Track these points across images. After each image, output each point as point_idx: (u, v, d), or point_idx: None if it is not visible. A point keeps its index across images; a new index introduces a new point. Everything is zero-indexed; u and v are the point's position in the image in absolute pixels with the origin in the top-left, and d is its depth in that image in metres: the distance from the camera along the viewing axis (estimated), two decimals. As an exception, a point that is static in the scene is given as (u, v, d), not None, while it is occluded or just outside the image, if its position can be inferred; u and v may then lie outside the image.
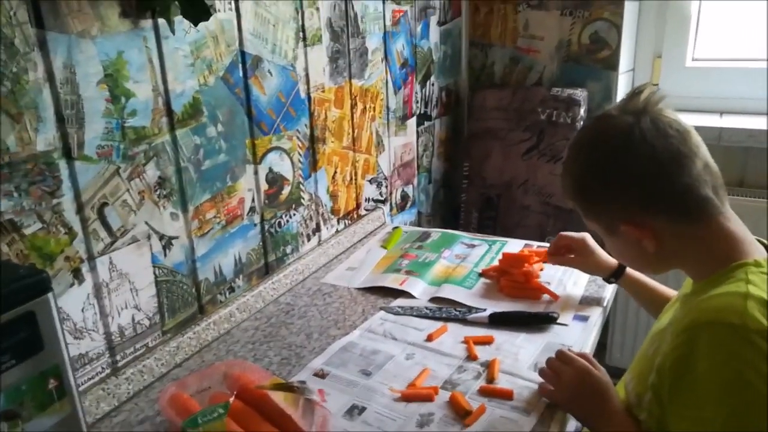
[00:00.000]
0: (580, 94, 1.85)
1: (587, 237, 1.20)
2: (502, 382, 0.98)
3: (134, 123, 0.96)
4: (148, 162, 0.99)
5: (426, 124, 1.88)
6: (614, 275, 1.18)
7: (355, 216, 1.59)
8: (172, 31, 0.97)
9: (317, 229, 1.44)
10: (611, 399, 0.88)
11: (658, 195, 0.81)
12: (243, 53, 1.14)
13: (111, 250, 0.95)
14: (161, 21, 0.96)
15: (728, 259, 0.80)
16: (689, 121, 1.94)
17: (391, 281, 1.32)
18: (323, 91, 1.38)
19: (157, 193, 1.01)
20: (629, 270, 1.17)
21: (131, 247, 0.98)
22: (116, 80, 0.92)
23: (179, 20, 0.96)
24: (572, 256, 1.21)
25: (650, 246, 0.83)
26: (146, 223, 1.00)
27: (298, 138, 1.32)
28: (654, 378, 0.78)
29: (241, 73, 1.15)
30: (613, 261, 1.18)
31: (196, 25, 0.96)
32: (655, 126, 0.80)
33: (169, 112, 1.01)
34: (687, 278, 0.91)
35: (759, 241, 0.85)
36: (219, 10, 1.08)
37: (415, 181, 1.87)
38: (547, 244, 1.45)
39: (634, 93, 0.84)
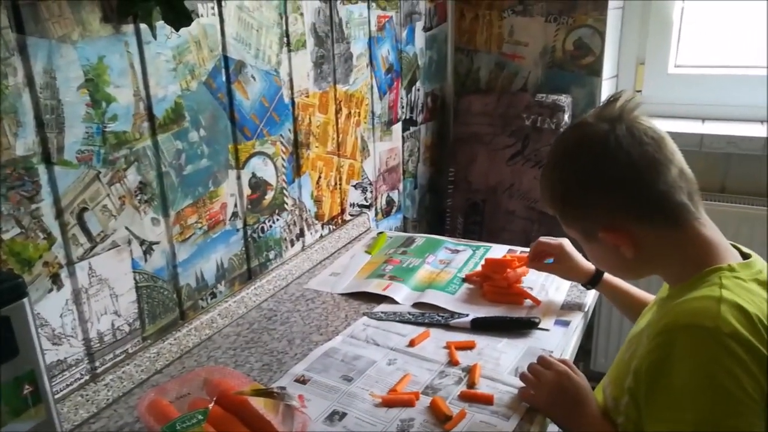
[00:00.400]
0: (565, 100, 1.86)
1: (565, 242, 1.21)
2: (483, 387, 0.99)
3: (115, 128, 0.95)
4: (129, 167, 0.98)
5: (411, 129, 1.89)
6: (591, 281, 1.19)
7: (340, 221, 1.59)
8: (154, 36, 0.97)
9: (301, 234, 1.44)
10: (590, 404, 0.90)
11: (635, 201, 0.82)
12: (226, 58, 1.14)
13: (90, 256, 0.95)
14: (143, 26, 0.96)
15: (703, 263, 0.81)
16: (671, 127, 1.96)
17: (375, 287, 1.32)
18: (307, 96, 1.38)
19: (138, 198, 1.01)
20: (607, 276, 1.18)
21: (111, 252, 0.98)
22: (97, 85, 0.92)
23: (161, 25, 0.96)
24: (550, 261, 1.22)
25: (628, 252, 0.85)
26: (127, 228, 1.00)
27: (281, 143, 1.32)
28: (630, 381, 0.79)
29: (224, 78, 1.15)
30: (590, 266, 1.19)
31: (177, 30, 0.96)
32: (630, 133, 0.82)
33: (151, 116, 1.01)
34: (664, 282, 0.92)
35: (734, 246, 0.87)
36: (202, 15, 1.08)
37: (401, 186, 1.88)
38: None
39: (610, 100, 0.85)
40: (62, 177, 0.89)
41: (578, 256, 1.20)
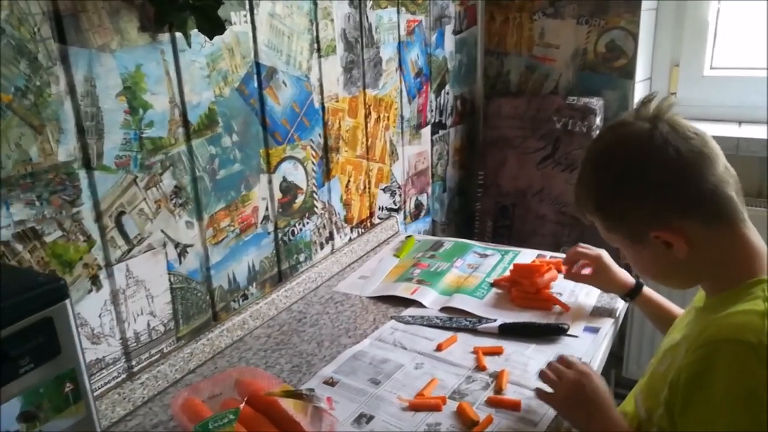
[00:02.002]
0: (596, 102, 1.84)
1: (603, 253, 1.18)
2: (510, 393, 0.99)
3: (151, 134, 0.98)
4: (164, 171, 1.01)
5: (441, 132, 1.89)
6: (630, 294, 1.16)
7: (369, 225, 1.60)
8: (189, 44, 0.99)
9: (330, 237, 1.46)
10: (609, 408, 0.88)
11: (688, 196, 0.79)
12: (258, 65, 1.17)
13: (128, 258, 0.98)
14: (178, 35, 0.99)
15: (746, 272, 0.79)
16: (707, 130, 1.92)
17: (403, 290, 1.33)
18: (337, 101, 1.40)
19: (173, 201, 1.04)
20: (646, 289, 1.14)
21: (147, 254, 1.01)
22: (134, 92, 0.95)
23: (195, 34, 0.98)
24: (587, 272, 1.20)
25: (681, 251, 0.81)
26: (162, 231, 1.03)
27: (311, 147, 1.34)
28: (666, 394, 0.77)
29: (256, 84, 1.17)
30: (629, 278, 1.16)
31: (211, 38, 0.98)
32: (674, 129, 0.80)
33: (186, 122, 1.04)
34: (699, 291, 0.90)
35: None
36: (235, 23, 1.10)
37: (430, 190, 1.88)
38: (561, 255, 1.46)
39: (644, 101, 0.84)
40: (101, 181, 0.92)
41: (616, 268, 1.17)
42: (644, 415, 0.85)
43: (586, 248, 1.21)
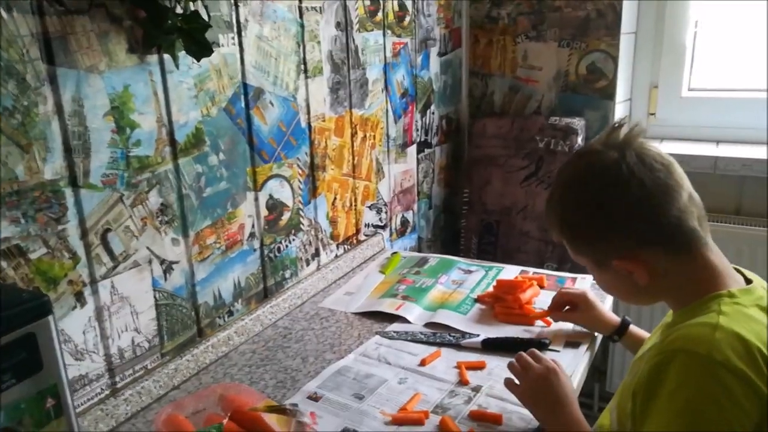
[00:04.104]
0: (578, 123, 1.88)
1: (587, 292, 1.19)
2: (492, 407, 1.00)
3: (138, 152, 1.00)
4: (150, 189, 1.03)
5: (426, 151, 1.92)
6: (617, 332, 1.16)
7: (355, 241, 1.62)
8: (177, 66, 1.02)
9: (316, 254, 1.48)
10: (571, 404, 0.91)
11: (650, 229, 0.82)
12: (245, 85, 1.19)
13: (113, 274, 0.99)
14: (166, 56, 1.01)
15: (706, 289, 0.82)
16: (685, 150, 1.95)
17: (388, 306, 1.34)
18: (324, 121, 1.42)
19: (159, 219, 1.05)
20: (633, 328, 1.15)
21: (133, 271, 1.02)
22: (122, 112, 0.97)
23: (183, 55, 1.00)
24: (573, 311, 1.20)
25: (642, 279, 0.84)
26: (148, 248, 1.04)
27: (298, 165, 1.36)
28: (630, 404, 0.80)
29: (243, 104, 1.19)
30: (614, 317, 1.17)
31: (198, 60, 1.01)
32: (641, 160, 0.82)
33: (173, 141, 1.06)
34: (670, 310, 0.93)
35: (737, 269, 0.87)
36: (222, 45, 1.13)
37: (415, 207, 1.90)
38: (544, 271, 1.49)
39: (615, 127, 0.86)
40: (87, 199, 0.93)
41: (601, 306, 1.18)
42: (616, 427, 0.87)
43: (569, 290, 1.23)
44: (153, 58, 1.01)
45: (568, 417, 0.90)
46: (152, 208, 1.04)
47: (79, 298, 0.94)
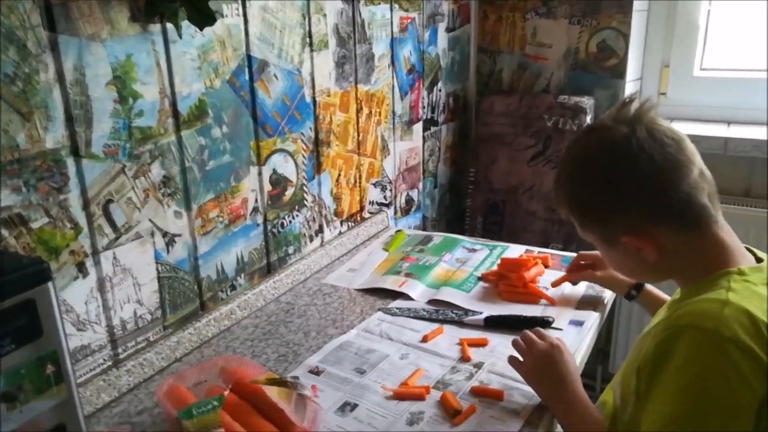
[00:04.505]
0: (587, 102, 1.86)
1: None
2: (494, 384, 1.00)
3: (141, 123, 0.99)
4: (153, 161, 1.02)
5: (432, 129, 1.90)
6: (635, 288, 1.16)
7: (359, 218, 1.61)
8: (180, 35, 1.00)
9: (320, 230, 1.47)
10: (574, 382, 0.91)
11: (660, 205, 0.81)
12: (249, 57, 1.17)
13: (115, 246, 0.99)
14: (169, 25, 1.00)
15: (715, 267, 0.81)
16: (696, 130, 1.92)
17: (391, 283, 1.34)
18: (329, 96, 1.41)
19: (162, 191, 1.05)
20: (648, 287, 1.15)
21: (135, 243, 1.02)
22: (124, 82, 0.96)
23: (187, 25, 0.99)
24: (590, 271, 1.22)
25: (651, 256, 0.83)
26: (150, 220, 1.04)
27: (302, 141, 1.35)
28: (635, 380, 0.79)
29: (247, 77, 1.18)
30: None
31: (201, 29, 0.99)
32: (651, 135, 0.81)
33: (175, 113, 1.05)
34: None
35: (749, 249, 0.86)
36: (226, 15, 1.11)
37: (421, 186, 1.89)
38: (549, 250, 1.48)
39: (625, 102, 0.85)
40: (89, 170, 0.93)
41: None
42: (620, 403, 0.87)
43: (585, 252, 1.24)
44: (156, 28, 0.99)
45: (571, 394, 0.90)
46: (155, 180, 1.03)
47: (81, 268, 0.94)
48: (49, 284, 0.63)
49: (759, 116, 1.82)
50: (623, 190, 0.82)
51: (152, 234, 1.04)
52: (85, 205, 0.93)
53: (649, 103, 0.84)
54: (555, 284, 1.27)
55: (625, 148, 0.81)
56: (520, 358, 0.98)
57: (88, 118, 0.91)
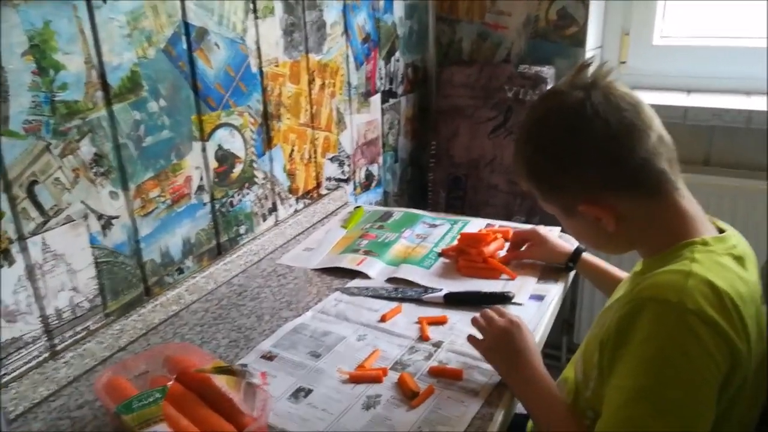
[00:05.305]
0: (548, 71, 1.82)
1: (538, 228, 1.24)
2: (453, 362, 0.97)
3: (65, 97, 0.91)
4: (82, 138, 0.94)
5: (391, 101, 1.84)
6: (571, 260, 1.18)
7: (316, 195, 1.55)
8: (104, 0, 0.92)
9: (273, 208, 1.41)
10: (533, 359, 0.89)
11: (616, 171, 0.79)
12: (186, 24, 1.09)
13: (43, 230, 0.91)
14: (93, -11, 0.91)
15: (678, 236, 0.79)
16: (656, 99, 1.91)
17: (348, 262, 1.29)
18: (277, 66, 1.33)
19: (94, 170, 0.97)
20: (586, 255, 1.17)
21: (66, 227, 0.94)
22: (43, 51, 0.87)
23: (112, -12, 0.91)
24: (528, 249, 1.24)
25: (609, 225, 0.81)
26: (82, 202, 0.96)
27: (249, 114, 1.28)
28: (597, 355, 0.77)
29: (184, 46, 1.10)
30: (568, 247, 1.20)
31: (128, -8, 0.91)
32: (606, 100, 0.78)
33: (105, 85, 0.97)
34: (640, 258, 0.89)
35: (711, 220, 0.84)
36: (159, -21, 1.03)
37: (381, 160, 1.84)
38: (510, 224, 1.45)
39: (582, 67, 0.82)
40: (8, 148, 0.85)
41: (554, 238, 1.22)
42: (581, 378, 0.85)
43: (519, 229, 1.27)
44: (77, -9, 0.91)
45: (531, 371, 0.88)
46: (85, 159, 0.95)
47: (6, 256, 0.87)
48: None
49: (718, 84, 1.81)
50: (577, 156, 0.80)
51: (86, 217, 0.97)
52: (7, 188, 0.86)
53: (606, 67, 0.81)
54: (501, 263, 1.24)
55: (580, 112, 0.78)
56: (480, 336, 0.95)
57: (4, 92, 0.83)
